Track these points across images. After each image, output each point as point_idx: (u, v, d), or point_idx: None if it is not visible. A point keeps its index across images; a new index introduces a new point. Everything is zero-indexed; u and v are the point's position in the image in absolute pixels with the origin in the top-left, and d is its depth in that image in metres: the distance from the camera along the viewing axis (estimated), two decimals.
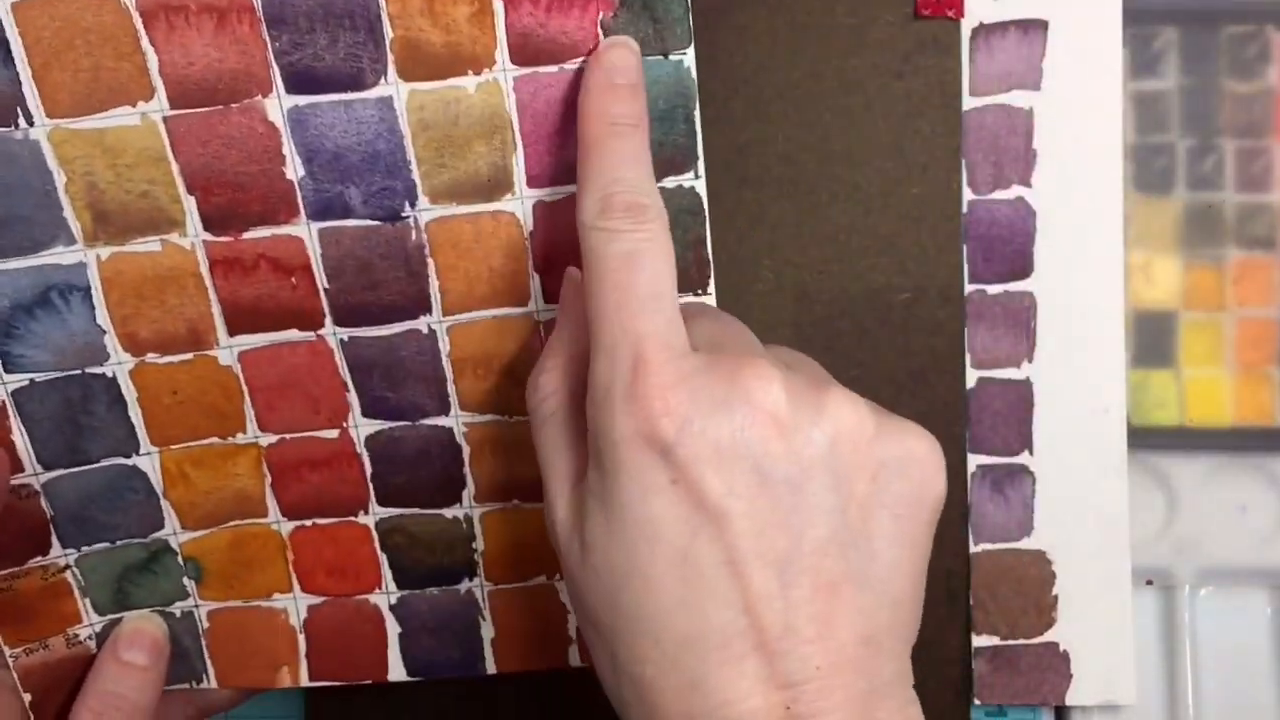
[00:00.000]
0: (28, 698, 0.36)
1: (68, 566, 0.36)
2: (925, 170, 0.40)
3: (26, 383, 0.33)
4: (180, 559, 0.37)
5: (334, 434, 0.35)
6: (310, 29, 0.31)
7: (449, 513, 0.37)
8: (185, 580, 0.37)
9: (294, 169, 0.32)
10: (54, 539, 0.35)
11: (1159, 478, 0.42)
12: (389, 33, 0.31)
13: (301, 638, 0.38)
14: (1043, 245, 0.41)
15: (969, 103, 0.41)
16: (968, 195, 0.41)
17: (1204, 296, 0.42)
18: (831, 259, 0.38)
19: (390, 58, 0.31)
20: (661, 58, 0.31)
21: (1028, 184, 0.40)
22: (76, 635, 0.37)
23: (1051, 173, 0.41)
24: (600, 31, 0.31)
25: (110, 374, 0.34)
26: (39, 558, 0.36)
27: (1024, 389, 0.41)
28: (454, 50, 0.31)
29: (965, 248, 0.41)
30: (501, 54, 0.31)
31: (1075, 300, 0.41)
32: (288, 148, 0.32)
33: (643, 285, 0.27)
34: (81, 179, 0.31)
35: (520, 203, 0.33)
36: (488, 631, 0.38)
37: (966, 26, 0.40)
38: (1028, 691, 0.42)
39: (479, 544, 0.37)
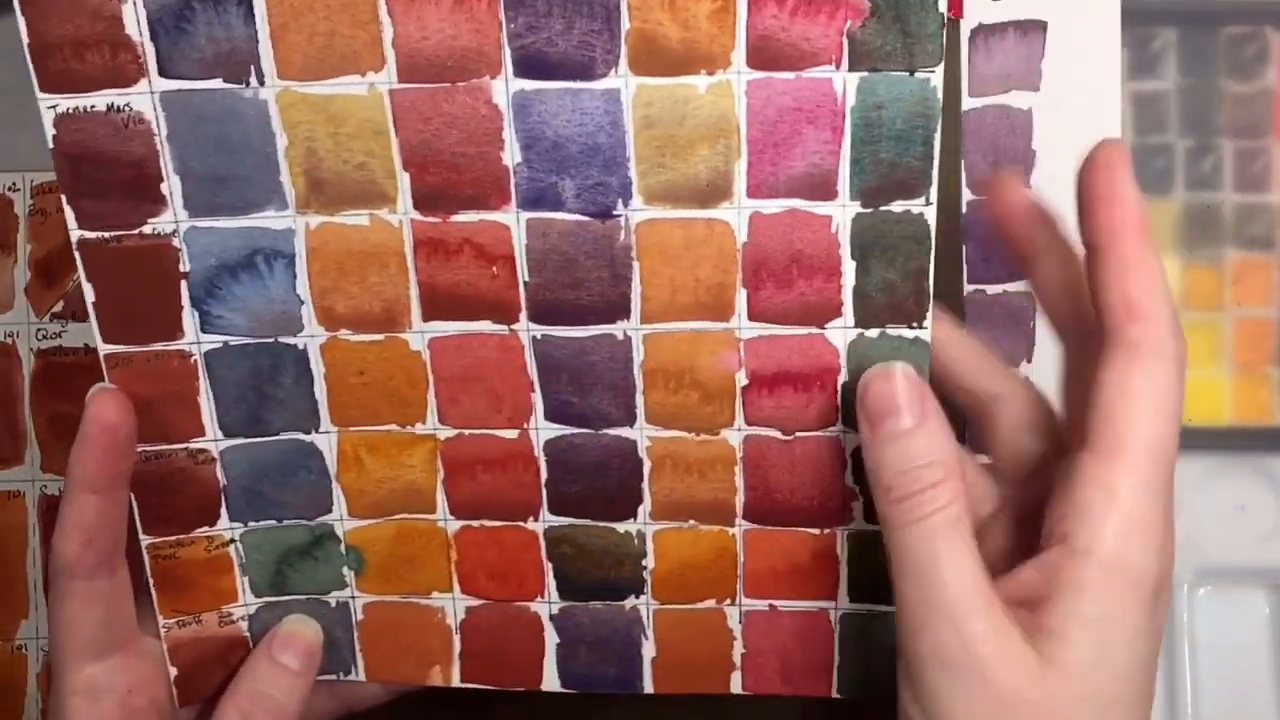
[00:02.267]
0: (174, 671, 0.36)
1: (232, 541, 0.35)
2: None
3: (220, 345, 0.33)
4: (343, 547, 0.36)
5: (513, 434, 0.34)
6: (548, 13, 0.30)
7: (621, 527, 0.35)
8: (345, 570, 0.36)
9: (511, 154, 0.31)
10: (223, 510, 0.35)
11: None
12: (626, 24, 0.30)
13: (457, 638, 0.36)
14: None
15: (968, 103, 0.41)
16: (967, 195, 0.41)
17: (1202, 296, 0.43)
18: None
19: (624, 49, 0.30)
20: (907, 74, 0.30)
21: (1027, 184, 0.40)
22: (230, 614, 0.36)
23: (1051, 173, 0.41)
24: (845, 41, 0.30)
25: (301, 346, 0.33)
26: (205, 528, 0.35)
27: None
28: (690, 47, 0.30)
29: (965, 248, 0.41)
30: (738, 55, 0.30)
31: None
32: (508, 132, 0.31)
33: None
34: (302, 144, 0.31)
35: (737, 212, 0.32)
36: (649, 651, 0.36)
37: (965, 27, 0.40)
38: None
39: (649, 562, 0.35)
